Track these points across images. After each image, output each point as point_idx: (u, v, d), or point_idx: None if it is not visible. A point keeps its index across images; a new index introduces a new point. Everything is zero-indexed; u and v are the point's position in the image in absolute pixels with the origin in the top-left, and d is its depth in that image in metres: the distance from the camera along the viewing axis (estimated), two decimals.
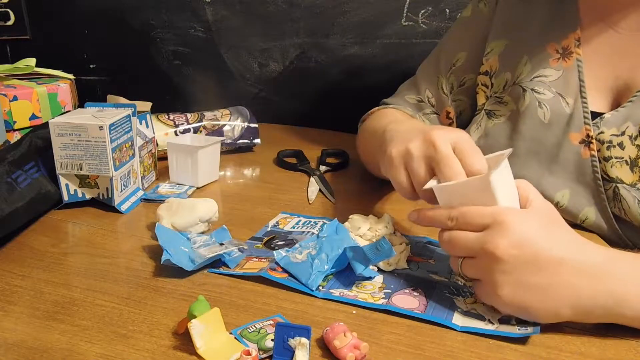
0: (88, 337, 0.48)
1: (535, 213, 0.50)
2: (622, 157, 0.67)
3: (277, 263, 0.60)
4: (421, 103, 0.90)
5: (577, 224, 0.72)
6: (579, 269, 0.48)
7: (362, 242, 0.63)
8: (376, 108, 0.92)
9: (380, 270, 0.60)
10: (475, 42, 0.85)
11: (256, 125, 1.05)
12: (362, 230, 0.65)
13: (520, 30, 0.79)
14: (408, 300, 0.54)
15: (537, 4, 0.79)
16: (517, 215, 0.49)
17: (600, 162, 0.69)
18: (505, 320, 0.51)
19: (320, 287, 0.56)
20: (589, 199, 0.70)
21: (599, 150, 0.69)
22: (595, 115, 0.70)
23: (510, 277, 0.48)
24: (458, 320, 0.51)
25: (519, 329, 0.49)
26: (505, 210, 0.49)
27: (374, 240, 0.63)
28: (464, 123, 0.89)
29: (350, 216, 0.68)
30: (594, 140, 0.69)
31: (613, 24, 0.72)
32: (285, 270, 0.59)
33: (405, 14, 1.14)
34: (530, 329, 0.49)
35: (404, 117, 0.86)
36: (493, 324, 0.51)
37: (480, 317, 0.52)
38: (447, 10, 1.11)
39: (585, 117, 0.70)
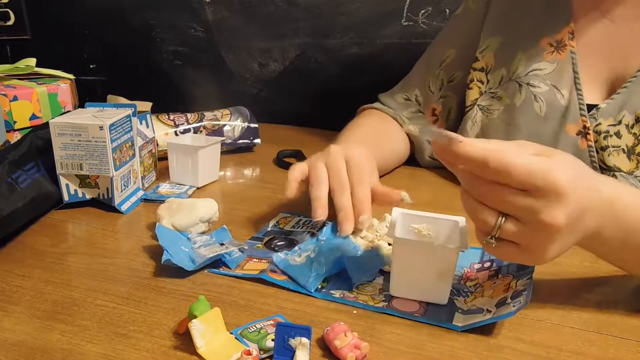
0: (88, 337, 0.48)
1: (573, 168, 0.45)
2: (619, 146, 0.68)
3: (276, 265, 0.60)
4: (407, 101, 0.93)
5: None
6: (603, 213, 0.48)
7: (363, 243, 0.63)
8: (367, 106, 0.97)
9: (380, 271, 0.60)
10: (464, 40, 0.86)
11: (256, 125, 1.05)
12: (362, 231, 0.65)
13: (514, 26, 0.80)
14: (408, 303, 0.54)
15: (530, 0, 0.80)
16: (572, 179, 0.44)
17: (597, 152, 0.69)
18: (501, 302, 0.51)
19: (320, 288, 0.56)
20: None
21: (596, 141, 0.69)
22: (591, 107, 0.71)
23: (561, 242, 0.45)
24: (458, 320, 0.51)
25: (513, 306, 0.49)
26: (560, 174, 0.43)
27: (375, 241, 0.63)
28: (452, 121, 0.92)
29: None
30: (590, 131, 0.70)
31: (608, 12, 0.72)
32: (284, 272, 0.59)
33: (405, 14, 1.14)
34: (522, 300, 0.48)
35: (373, 121, 0.92)
36: (490, 311, 0.50)
37: (479, 310, 0.52)
38: (447, 11, 1.11)
39: (581, 109, 0.71)
